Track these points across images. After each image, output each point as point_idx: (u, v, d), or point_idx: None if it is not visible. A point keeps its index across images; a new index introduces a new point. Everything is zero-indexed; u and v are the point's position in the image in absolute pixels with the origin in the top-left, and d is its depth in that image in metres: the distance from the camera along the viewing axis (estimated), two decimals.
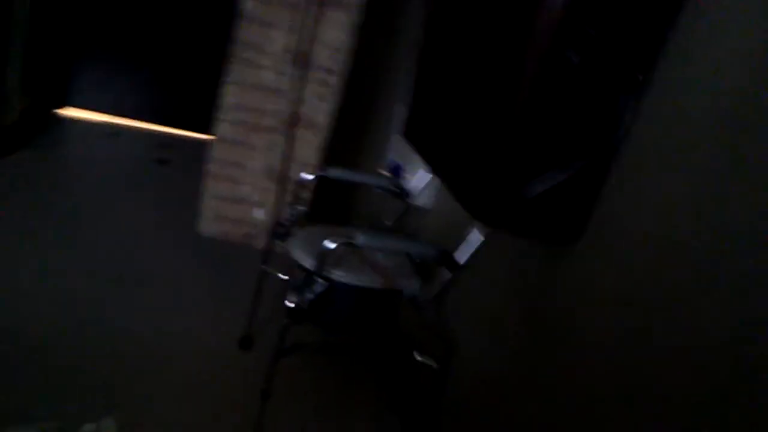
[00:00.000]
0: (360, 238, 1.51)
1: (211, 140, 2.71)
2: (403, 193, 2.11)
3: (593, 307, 1.22)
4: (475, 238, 1.63)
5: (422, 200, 2.12)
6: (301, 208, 2.00)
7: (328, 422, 1.88)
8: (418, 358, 1.83)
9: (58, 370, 1.77)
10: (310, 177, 2.03)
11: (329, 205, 3.05)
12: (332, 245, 1.52)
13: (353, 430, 1.87)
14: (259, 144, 2.68)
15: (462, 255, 1.63)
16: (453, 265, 1.58)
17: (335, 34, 2.54)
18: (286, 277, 1.99)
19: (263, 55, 2.56)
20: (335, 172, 2.00)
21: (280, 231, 1.91)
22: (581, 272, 1.28)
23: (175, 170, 3.62)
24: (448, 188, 1.52)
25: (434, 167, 1.67)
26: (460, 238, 1.66)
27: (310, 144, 2.68)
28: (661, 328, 1.03)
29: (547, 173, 1.17)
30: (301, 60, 2.55)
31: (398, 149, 2.27)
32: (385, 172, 2.43)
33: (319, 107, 2.63)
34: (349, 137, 3.23)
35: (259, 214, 2.79)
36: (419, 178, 2.09)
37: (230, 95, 2.58)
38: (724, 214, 0.95)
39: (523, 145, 1.14)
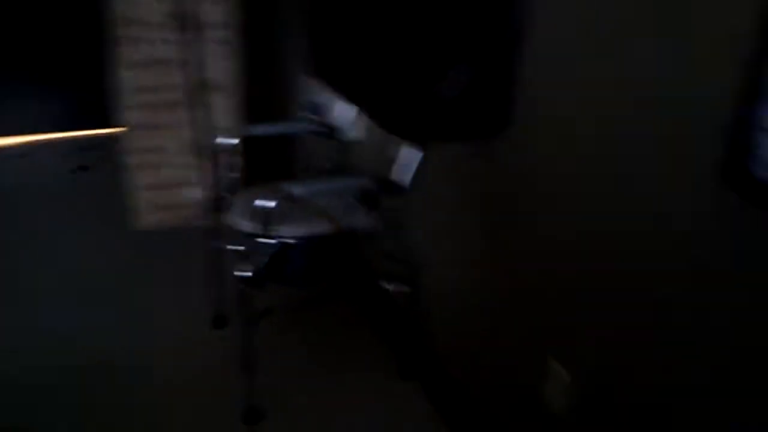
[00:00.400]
0: (294, 190, 1.48)
1: (122, 131, 2.56)
2: (331, 132, 2.06)
3: (534, 187, 1.23)
4: (412, 156, 1.61)
5: (352, 133, 2.07)
6: (233, 175, 1.93)
7: (321, 375, 1.90)
8: (388, 287, 1.85)
9: (22, 402, 1.71)
10: (233, 141, 1.95)
11: (267, 164, 2.97)
12: (269, 204, 1.48)
13: (347, 371, 1.90)
14: (171, 122, 2.54)
15: (404, 176, 1.62)
16: (395, 189, 1.56)
17: None
18: (238, 247, 1.95)
19: (148, 28, 2.38)
20: (257, 130, 1.94)
21: (218, 204, 1.85)
22: (516, 157, 1.28)
23: (99, 172, 3.44)
24: (367, 115, 1.48)
25: (349, 97, 1.62)
26: (398, 160, 1.63)
27: (224, 108, 2.56)
28: (597, 190, 1.06)
29: (457, 67, 1.14)
30: (189, 23, 2.39)
31: (317, 89, 2.19)
32: (309, 115, 2.35)
33: (223, 67, 2.49)
34: (268, 90, 3.10)
35: (194, 194, 2.70)
36: (343, 112, 2.03)
37: (126, 79, 2.41)
38: (640, 68, 0.95)
39: (425, 44, 1.10)
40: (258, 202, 1.48)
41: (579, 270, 1.13)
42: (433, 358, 1.77)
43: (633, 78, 0.95)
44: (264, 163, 2.88)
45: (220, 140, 2.44)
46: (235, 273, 1.51)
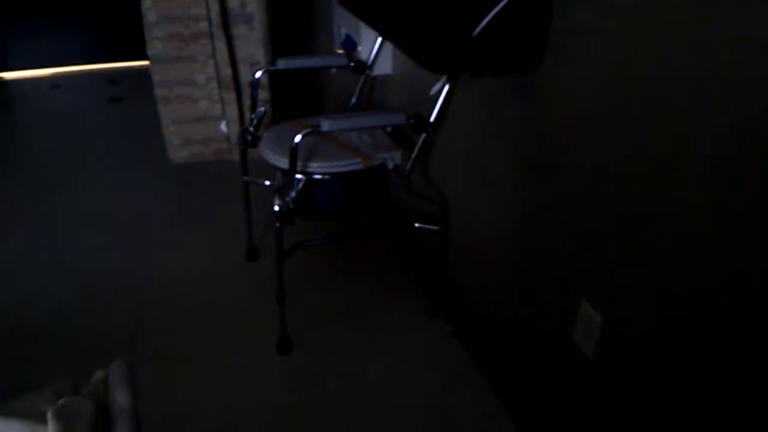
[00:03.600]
0: (324, 124, 1.45)
1: (150, 63, 2.54)
2: (360, 66, 2.01)
3: (566, 123, 1.19)
4: (441, 90, 1.56)
5: (380, 67, 2.01)
6: (261, 109, 1.91)
7: (349, 308, 1.95)
8: (417, 225, 1.85)
9: (69, 331, 1.80)
10: (260, 74, 1.92)
11: (295, 99, 2.94)
12: (298, 138, 1.46)
13: (375, 306, 1.94)
14: (198, 54, 2.50)
15: (432, 111, 1.58)
16: (423, 124, 1.52)
17: None
18: (269, 182, 1.96)
19: None
20: (283, 63, 1.88)
21: (248, 138, 1.84)
22: (550, 92, 1.23)
23: (130, 105, 3.46)
24: (397, 46, 1.43)
25: (379, 28, 1.56)
26: (428, 96, 1.59)
27: (251, 40, 2.51)
28: (631, 128, 1.01)
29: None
30: None
31: (346, 20, 2.12)
32: (338, 50, 2.29)
33: None
34: (298, 22, 3.02)
35: (224, 127, 2.70)
36: (372, 45, 1.96)
37: (151, 10, 2.37)
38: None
39: None
40: (289, 137, 1.47)
41: (612, 210, 1.10)
42: (460, 297, 1.78)
43: (675, 8, 0.89)
44: (291, 98, 2.85)
45: (248, 73, 2.41)
46: (272, 207, 1.53)
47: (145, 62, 2.55)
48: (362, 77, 2.01)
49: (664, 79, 0.94)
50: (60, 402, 0.57)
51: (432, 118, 1.51)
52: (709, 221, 0.90)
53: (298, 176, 1.58)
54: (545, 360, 1.41)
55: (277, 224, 1.57)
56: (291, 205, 1.55)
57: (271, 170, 1.69)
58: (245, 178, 2.00)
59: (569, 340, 1.27)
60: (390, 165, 1.67)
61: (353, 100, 2.04)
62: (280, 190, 1.61)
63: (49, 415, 0.55)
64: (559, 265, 1.30)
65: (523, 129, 1.36)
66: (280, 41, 2.70)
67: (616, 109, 1.06)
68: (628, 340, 1.12)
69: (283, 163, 1.57)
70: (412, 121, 1.52)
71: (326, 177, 1.62)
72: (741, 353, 0.88)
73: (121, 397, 0.61)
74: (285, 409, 1.56)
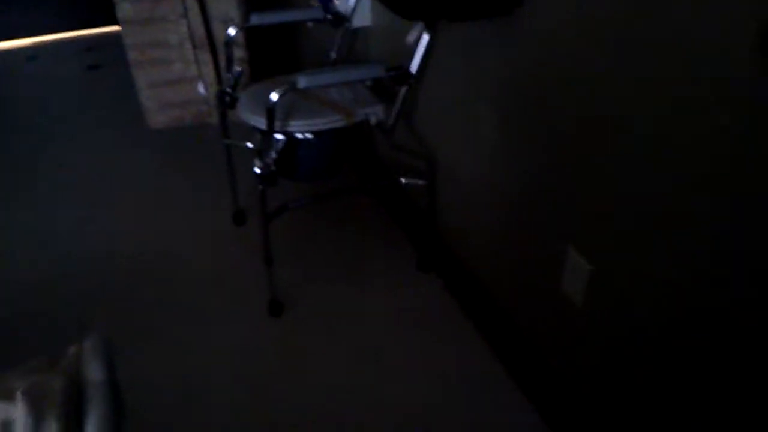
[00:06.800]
0: (301, 81, 1.40)
1: (122, 27, 2.44)
2: (338, 19, 1.93)
3: (550, 68, 1.15)
4: (421, 41, 1.50)
5: (359, 20, 1.94)
6: (238, 68, 1.84)
7: (340, 267, 1.93)
8: (404, 181, 1.82)
9: (53, 306, 1.77)
10: (234, 31, 1.84)
11: (272, 57, 2.85)
12: (276, 96, 1.41)
13: (366, 263, 1.93)
14: (169, 14, 2.41)
15: (413, 63, 1.52)
16: (405, 76, 1.47)
17: None
18: (251, 144, 1.92)
19: None
20: (257, 18, 1.81)
21: (225, 99, 1.79)
22: (532, 34, 1.18)
23: (108, 71, 3.36)
24: None
25: None
26: (409, 46, 1.53)
27: None
28: (617, 71, 0.97)
29: None
30: None
31: None
32: (314, 2, 2.20)
33: None
34: None
35: (202, 89, 2.62)
36: None
37: None
38: None
39: None
40: (266, 96, 1.42)
41: (599, 155, 1.07)
42: (449, 251, 1.77)
43: None
44: (270, 56, 2.77)
45: (223, 32, 2.32)
46: (253, 169, 1.49)
47: (118, 27, 2.45)
48: (341, 31, 1.94)
49: (651, 13, 0.90)
50: (30, 380, 0.56)
51: (413, 70, 1.46)
52: (701, 162, 0.88)
53: (278, 136, 1.54)
54: (537, 309, 1.41)
55: (260, 186, 1.54)
56: (272, 167, 1.51)
57: (253, 131, 1.65)
58: (226, 140, 1.95)
59: (560, 289, 1.26)
60: (372, 120, 1.63)
61: (333, 55, 1.97)
62: (260, 152, 1.57)
63: (18, 394, 0.54)
64: (546, 211, 1.28)
65: (506, 74, 1.32)
66: None
67: (601, 48, 1.01)
68: (618, 288, 1.11)
69: (262, 123, 1.52)
70: (391, 73, 1.47)
71: (308, 136, 1.58)
72: (736, 302, 0.87)
73: (93, 372, 0.59)
74: (278, 372, 1.56)
